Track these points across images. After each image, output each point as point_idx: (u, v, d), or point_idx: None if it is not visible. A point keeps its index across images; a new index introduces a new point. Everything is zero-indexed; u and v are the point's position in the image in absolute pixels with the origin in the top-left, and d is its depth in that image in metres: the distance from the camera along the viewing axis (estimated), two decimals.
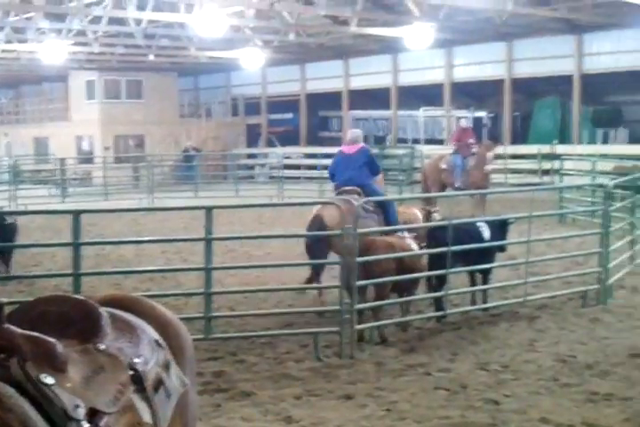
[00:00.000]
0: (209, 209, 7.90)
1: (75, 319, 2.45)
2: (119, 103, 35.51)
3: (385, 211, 10.11)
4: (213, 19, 21.46)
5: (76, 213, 7.60)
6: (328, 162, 31.79)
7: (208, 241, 7.89)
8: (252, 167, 35.02)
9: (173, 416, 2.66)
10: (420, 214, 10.81)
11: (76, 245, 7.58)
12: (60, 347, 2.25)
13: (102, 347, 2.42)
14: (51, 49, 26.04)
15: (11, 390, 2.05)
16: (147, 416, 2.43)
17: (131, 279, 11.26)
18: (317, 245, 9.61)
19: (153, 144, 35.21)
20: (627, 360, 7.39)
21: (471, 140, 17.75)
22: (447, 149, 28.12)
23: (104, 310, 2.56)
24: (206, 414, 6.11)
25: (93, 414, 2.16)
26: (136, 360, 2.49)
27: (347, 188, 10.29)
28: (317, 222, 9.73)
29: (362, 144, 10.93)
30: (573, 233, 12.29)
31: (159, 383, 2.58)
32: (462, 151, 17.63)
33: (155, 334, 2.74)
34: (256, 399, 6.53)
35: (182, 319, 3.70)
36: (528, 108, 30.71)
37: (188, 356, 2.97)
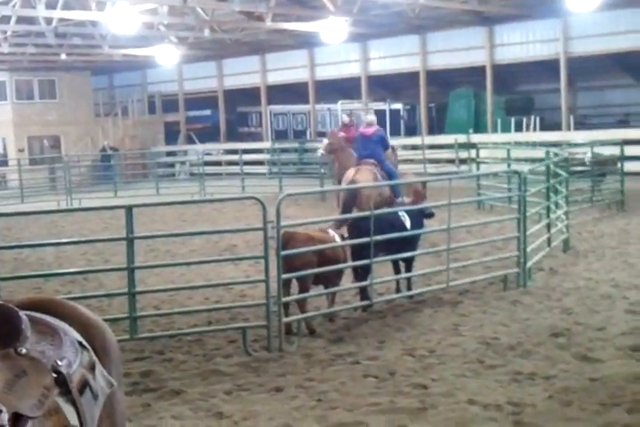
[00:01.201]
0: (129, 208, 7.80)
1: None
2: (32, 104, 34.69)
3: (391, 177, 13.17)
4: (126, 16, 21.16)
5: None
6: (249, 157, 31.59)
7: (129, 240, 7.79)
8: (172, 165, 34.67)
9: (101, 418, 2.63)
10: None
11: None
12: None
13: (23, 351, 2.38)
14: None
15: None
16: (73, 419, 2.40)
17: (51, 283, 11.02)
18: (350, 202, 12.37)
19: (69, 144, 34.53)
20: (547, 340, 7.61)
21: (342, 134, 18.44)
22: None
23: (23, 314, 2.51)
24: (136, 415, 6.05)
25: (17, 419, 2.13)
26: (59, 363, 2.46)
27: (366, 160, 13.32)
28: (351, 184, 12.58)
29: (377, 127, 13.99)
30: (492, 219, 12.55)
31: (85, 385, 2.55)
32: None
33: (77, 336, 2.71)
34: (186, 397, 6.49)
35: (107, 320, 3.66)
36: (443, 99, 31.23)
37: (113, 356, 2.94)
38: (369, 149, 13.39)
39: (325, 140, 18.67)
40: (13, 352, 2.35)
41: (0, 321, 2.43)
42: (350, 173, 13.32)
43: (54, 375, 2.40)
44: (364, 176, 12.79)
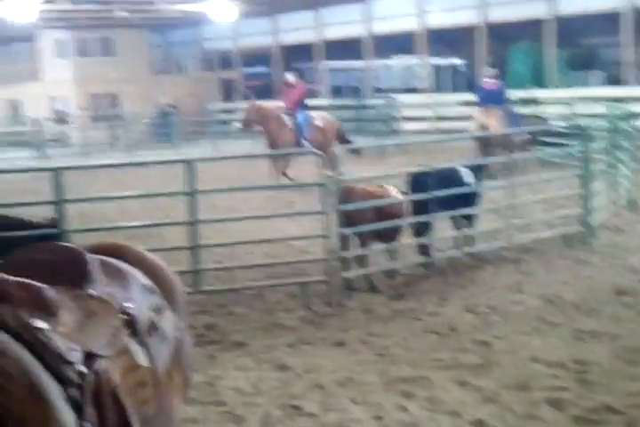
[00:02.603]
0: (189, 162, 7.84)
1: (63, 266, 2.44)
2: (92, 61, 34.92)
3: (513, 122, 16.46)
4: None
5: (56, 170, 7.56)
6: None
7: (192, 194, 7.85)
8: (228, 122, 34.66)
9: (172, 362, 2.66)
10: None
11: (60, 203, 7.54)
12: (50, 292, 2.24)
13: (93, 292, 2.41)
14: (19, 7, 25.43)
15: (4, 336, 2.05)
16: (142, 359, 2.44)
17: (114, 237, 11.16)
18: (486, 146, 15.21)
19: (128, 102, 34.73)
20: (612, 298, 7.50)
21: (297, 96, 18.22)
22: (425, 98, 28.08)
23: (92, 257, 2.54)
24: (201, 366, 6.15)
25: (89, 358, 2.17)
26: (127, 304, 2.49)
27: (490, 105, 16.56)
28: (484, 129, 15.83)
29: (498, 81, 17.46)
30: (554, 175, 12.29)
31: (152, 327, 2.58)
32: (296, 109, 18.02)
33: (144, 280, 2.74)
34: (249, 349, 6.59)
35: None
36: (503, 53, 30.55)
37: (179, 300, 2.97)
38: (492, 98, 16.53)
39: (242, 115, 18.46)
40: (83, 294, 2.39)
41: (70, 264, 2.47)
42: (480, 117, 16.43)
43: (123, 317, 2.44)
44: (490, 120, 16.17)
